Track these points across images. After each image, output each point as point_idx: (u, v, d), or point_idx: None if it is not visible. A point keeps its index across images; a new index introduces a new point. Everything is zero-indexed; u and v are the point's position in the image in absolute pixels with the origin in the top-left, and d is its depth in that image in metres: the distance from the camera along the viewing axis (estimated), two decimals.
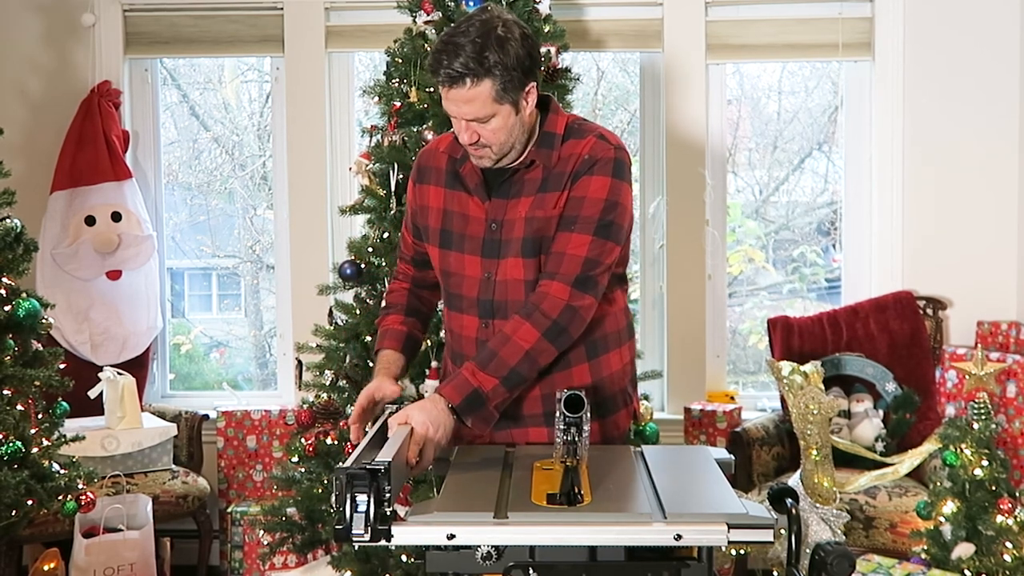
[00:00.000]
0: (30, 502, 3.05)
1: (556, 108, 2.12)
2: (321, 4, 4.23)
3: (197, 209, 4.86)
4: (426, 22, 3.32)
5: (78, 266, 4.06)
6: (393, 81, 3.34)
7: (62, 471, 3.19)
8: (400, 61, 3.30)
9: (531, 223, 2.05)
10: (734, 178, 4.60)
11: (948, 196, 4.13)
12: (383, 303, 2.37)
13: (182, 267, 4.88)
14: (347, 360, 3.30)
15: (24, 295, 3.22)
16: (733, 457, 2.06)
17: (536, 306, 1.99)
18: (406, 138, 3.25)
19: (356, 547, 3.00)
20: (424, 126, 3.25)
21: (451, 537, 1.56)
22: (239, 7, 4.29)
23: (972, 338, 4.05)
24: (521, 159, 2.08)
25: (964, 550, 2.86)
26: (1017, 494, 2.95)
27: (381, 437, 1.86)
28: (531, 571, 1.60)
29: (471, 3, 3.23)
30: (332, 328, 3.40)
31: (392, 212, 3.26)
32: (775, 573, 3.15)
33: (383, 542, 1.56)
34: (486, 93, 1.95)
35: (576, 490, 1.65)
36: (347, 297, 3.44)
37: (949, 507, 2.91)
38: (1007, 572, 2.82)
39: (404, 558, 2.97)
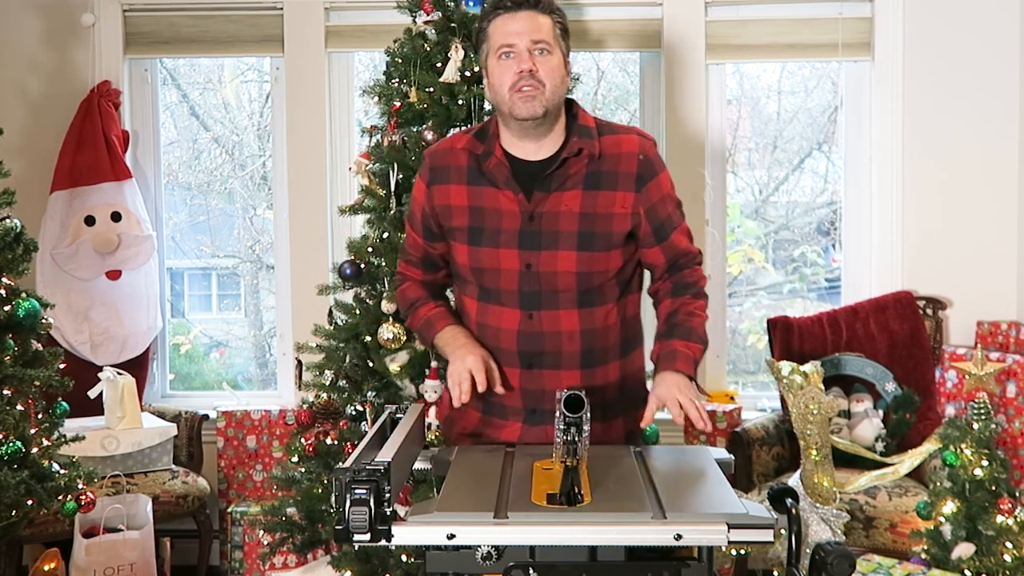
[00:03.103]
0: (30, 502, 3.05)
1: (579, 107, 2.19)
2: (321, 4, 4.23)
3: (197, 209, 4.86)
4: (426, 22, 3.32)
5: (78, 266, 4.06)
6: (393, 81, 3.34)
7: (62, 471, 3.19)
8: (400, 61, 3.30)
9: (588, 219, 2.10)
10: (734, 178, 4.60)
11: (948, 196, 4.13)
12: (402, 304, 2.33)
13: (182, 267, 4.88)
14: (347, 360, 3.30)
15: (24, 295, 3.22)
16: (733, 457, 2.06)
17: (700, 286, 2.22)
18: (406, 138, 3.25)
19: (356, 547, 3.00)
20: (424, 126, 3.25)
21: (451, 537, 1.55)
22: (239, 7, 4.29)
23: (972, 338, 4.05)
24: (567, 148, 2.11)
25: (964, 550, 2.86)
26: (1017, 494, 2.95)
27: (381, 437, 1.86)
28: (531, 571, 1.60)
29: (471, 3, 3.23)
30: (332, 328, 3.40)
31: (392, 212, 3.26)
32: (775, 573, 3.15)
33: (383, 542, 1.56)
34: (550, 25, 2.08)
35: (576, 490, 1.65)
36: (347, 297, 3.44)
37: (949, 507, 2.91)
38: (1007, 572, 2.82)
39: (404, 558, 2.97)
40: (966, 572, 2.85)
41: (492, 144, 2.13)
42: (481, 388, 2.06)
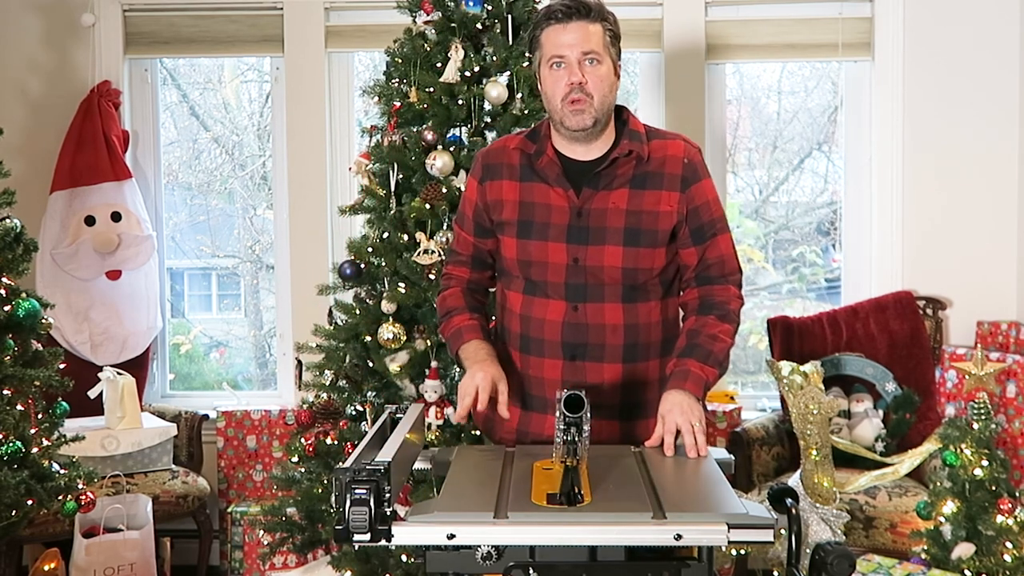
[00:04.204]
0: (30, 502, 3.04)
1: (629, 112, 2.24)
2: (321, 4, 4.23)
3: (197, 209, 4.86)
4: (426, 22, 3.32)
5: (78, 266, 4.06)
6: (393, 81, 3.33)
7: (62, 471, 3.19)
8: (400, 61, 3.30)
9: (634, 216, 2.15)
10: (734, 178, 4.60)
11: (948, 196, 4.13)
12: (440, 310, 2.34)
13: (182, 267, 4.88)
14: (347, 360, 3.30)
15: (24, 295, 3.21)
16: (733, 457, 2.06)
17: (729, 308, 2.21)
18: (406, 138, 3.25)
19: (356, 547, 3.00)
20: (424, 126, 3.25)
21: (451, 537, 1.55)
22: (239, 7, 4.29)
23: (972, 338, 4.05)
24: (617, 149, 2.16)
25: (964, 550, 2.85)
26: (1017, 494, 2.95)
27: (381, 437, 1.86)
28: (531, 571, 1.60)
29: (471, 3, 3.23)
30: (332, 328, 3.40)
31: (392, 212, 3.26)
32: (775, 573, 3.15)
33: (383, 542, 1.56)
34: (600, 33, 2.11)
35: (576, 490, 1.65)
36: (347, 297, 3.44)
37: (949, 507, 2.91)
38: (1007, 572, 2.82)
39: (404, 558, 2.97)
40: (966, 572, 2.85)
41: (544, 144, 2.19)
42: (480, 407, 2.08)
